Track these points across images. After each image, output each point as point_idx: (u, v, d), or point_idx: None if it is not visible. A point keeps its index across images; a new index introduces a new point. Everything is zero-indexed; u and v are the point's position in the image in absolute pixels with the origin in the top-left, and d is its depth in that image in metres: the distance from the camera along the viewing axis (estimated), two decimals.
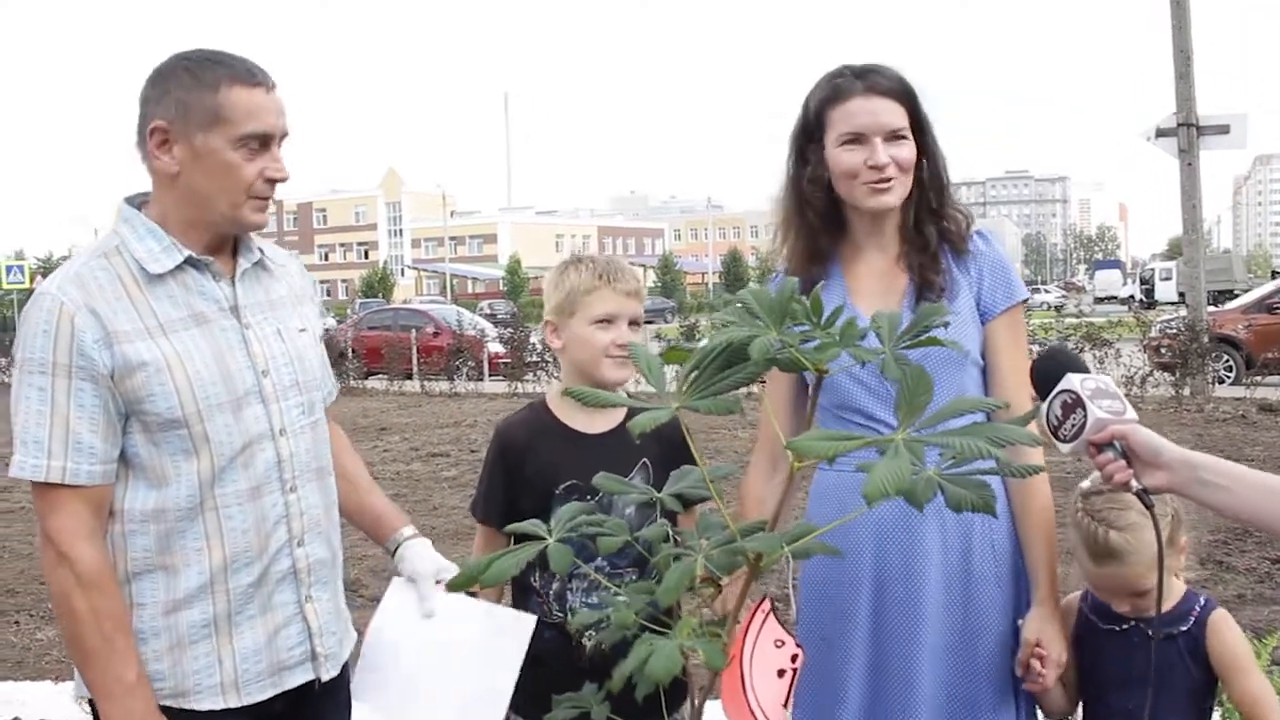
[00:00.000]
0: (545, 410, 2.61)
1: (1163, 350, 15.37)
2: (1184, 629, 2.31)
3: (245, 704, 2.15)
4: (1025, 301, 2.42)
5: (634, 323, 2.53)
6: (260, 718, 2.18)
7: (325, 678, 2.27)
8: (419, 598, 2.35)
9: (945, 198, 2.40)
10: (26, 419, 2.01)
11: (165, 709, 2.08)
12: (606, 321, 2.50)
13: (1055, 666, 2.29)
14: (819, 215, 2.39)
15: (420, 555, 2.41)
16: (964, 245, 2.39)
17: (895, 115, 2.31)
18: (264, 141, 2.10)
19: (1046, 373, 1.98)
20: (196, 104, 2.05)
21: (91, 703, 2.11)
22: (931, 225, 2.38)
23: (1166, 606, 2.27)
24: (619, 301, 2.51)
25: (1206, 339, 14.97)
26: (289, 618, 2.20)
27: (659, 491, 1.72)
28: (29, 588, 7.09)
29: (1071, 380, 1.92)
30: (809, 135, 2.39)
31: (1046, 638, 2.29)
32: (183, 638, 2.10)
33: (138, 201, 2.17)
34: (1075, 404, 1.90)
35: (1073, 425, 1.91)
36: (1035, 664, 2.28)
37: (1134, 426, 1.88)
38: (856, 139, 2.31)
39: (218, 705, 2.13)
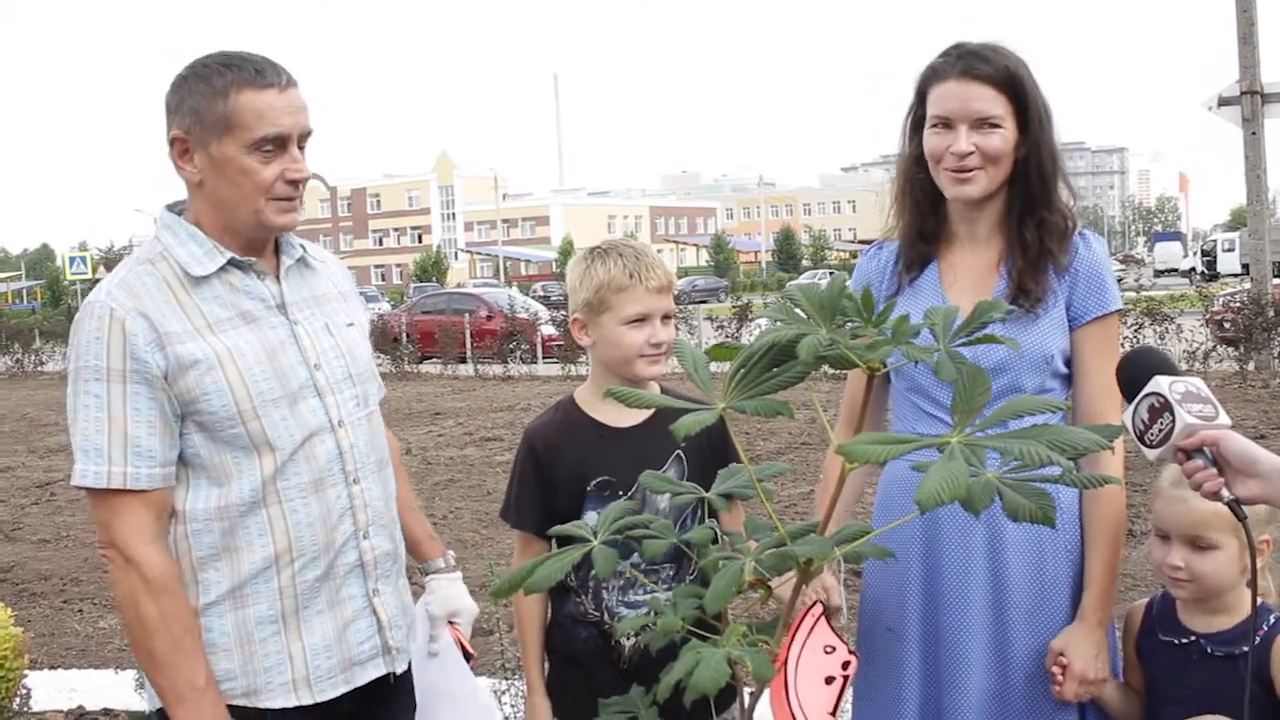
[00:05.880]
0: (574, 408, 2.54)
1: (1226, 324, 15.06)
2: (1246, 649, 2.12)
3: (318, 700, 2.15)
4: (1120, 312, 2.32)
5: (666, 317, 2.45)
6: (329, 718, 2.18)
7: (399, 670, 2.28)
8: (429, 637, 2.45)
9: (1047, 194, 2.27)
10: (85, 427, 2.02)
11: (237, 709, 2.09)
12: (639, 320, 2.41)
13: (1077, 681, 2.18)
14: (925, 195, 2.33)
15: (440, 594, 2.49)
16: (1063, 257, 2.27)
17: (989, 103, 2.20)
18: (280, 143, 2.07)
19: (1133, 375, 1.86)
20: (209, 112, 2.04)
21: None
22: (1032, 224, 2.27)
23: (1230, 622, 2.17)
24: (651, 299, 2.41)
25: (1272, 312, 14.62)
26: (358, 611, 2.20)
27: (694, 483, 1.67)
28: (92, 576, 7.20)
29: (1159, 383, 1.81)
30: (917, 113, 2.32)
31: (1072, 651, 2.19)
32: (251, 634, 2.10)
33: (178, 209, 2.18)
34: (1163, 408, 1.79)
35: (1160, 430, 1.80)
36: (1055, 672, 2.20)
37: (1226, 433, 1.77)
38: (945, 123, 2.23)
39: (289, 703, 2.13)
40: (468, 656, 2.54)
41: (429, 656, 2.45)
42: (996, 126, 2.21)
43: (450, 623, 2.51)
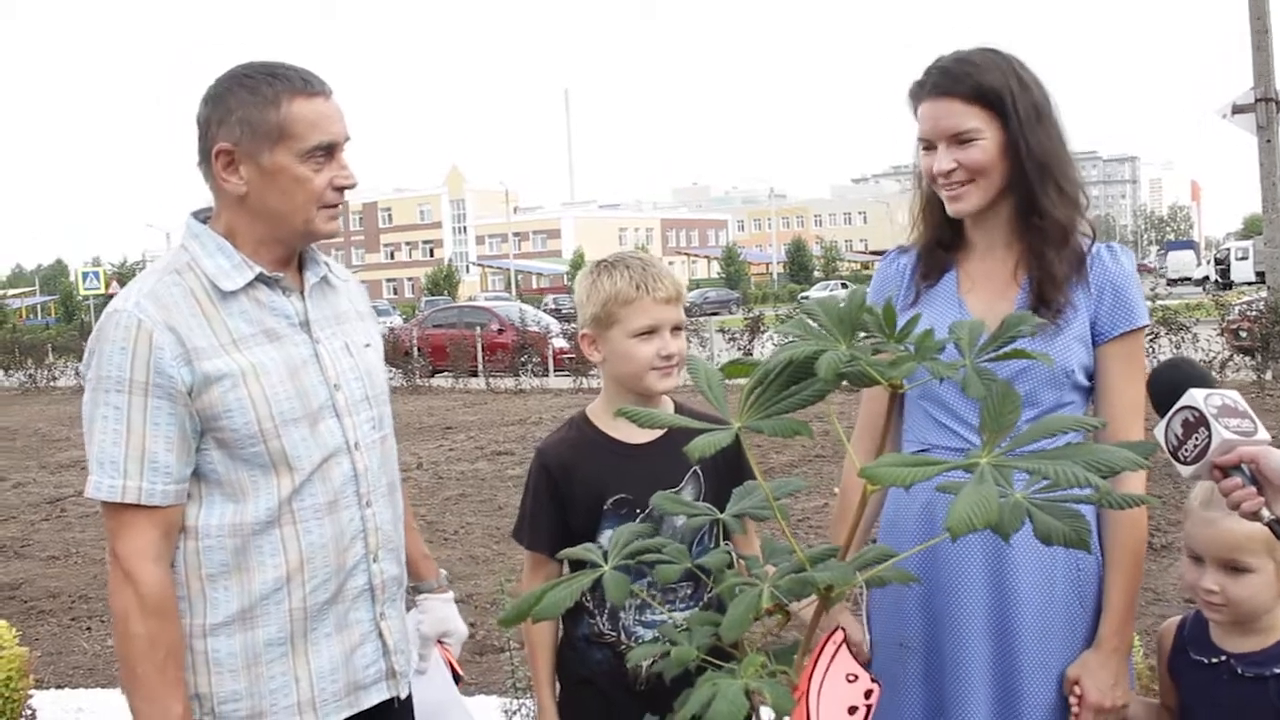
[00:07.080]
0: (587, 424, 2.48)
1: (1242, 333, 14.91)
2: (1277, 671, 2.07)
3: None
4: (1145, 328, 2.25)
5: (676, 328, 2.39)
6: None
7: (403, 695, 2.26)
8: (419, 655, 2.43)
9: (1033, 200, 2.19)
10: (103, 439, 1.99)
11: None
12: (648, 333, 2.35)
13: (1092, 712, 2.11)
14: (942, 207, 2.29)
15: (433, 615, 2.50)
16: (1063, 265, 2.19)
17: (960, 117, 2.16)
18: (330, 151, 2.07)
19: (1165, 387, 1.77)
20: (260, 122, 2.03)
21: None
22: (1032, 230, 2.21)
23: (1264, 643, 2.10)
24: (660, 311, 2.35)
25: None
26: (365, 635, 2.18)
27: (711, 501, 1.61)
28: (101, 593, 7.15)
29: (1194, 396, 1.72)
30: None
31: (1088, 680, 2.13)
32: (259, 656, 2.07)
33: (203, 216, 2.16)
34: (1198, 422, 1.70)
35: (1195, 446, 1.71)
36: (1072, 702, 2.14)
37: (1266, 449, 1.68)
38: (928, 144, 2.21)
39: None
40: (457, 678, 2.50)
41: (416, 675, 2.42)
42: (974, 139, 2.16)
43: (440, 642, 2.50)
